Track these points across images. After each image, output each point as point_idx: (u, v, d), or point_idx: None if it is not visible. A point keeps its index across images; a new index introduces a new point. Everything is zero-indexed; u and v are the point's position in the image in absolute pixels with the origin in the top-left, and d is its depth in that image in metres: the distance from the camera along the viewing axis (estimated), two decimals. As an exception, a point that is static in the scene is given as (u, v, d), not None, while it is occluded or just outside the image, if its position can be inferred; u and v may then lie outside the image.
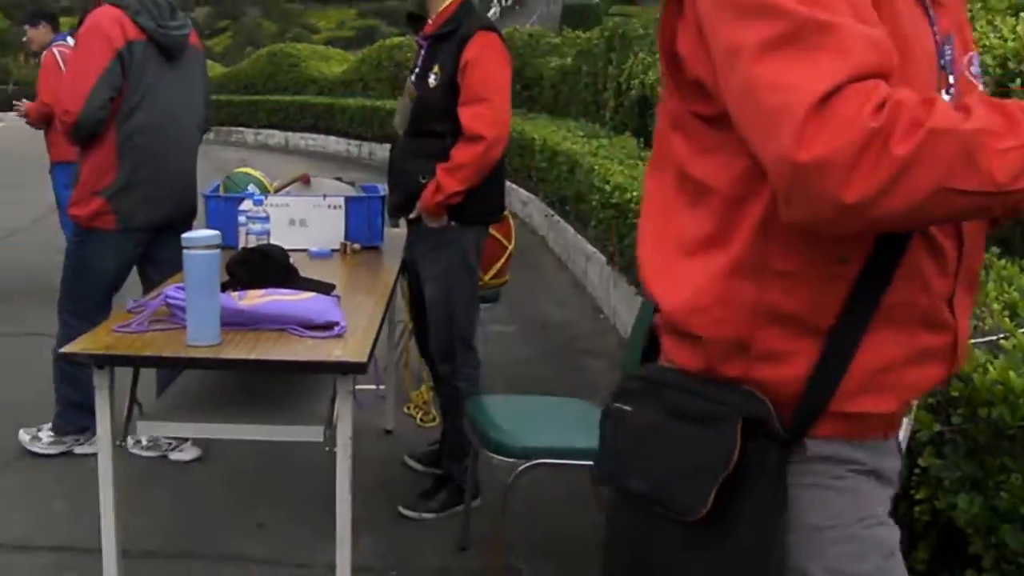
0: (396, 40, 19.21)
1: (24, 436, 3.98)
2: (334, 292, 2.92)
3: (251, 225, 3.20)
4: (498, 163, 3.45)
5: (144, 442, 3.92)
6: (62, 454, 3.94)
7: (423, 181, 3.42)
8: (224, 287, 2.71)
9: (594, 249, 6.94)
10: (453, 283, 3.55)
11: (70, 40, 5.62)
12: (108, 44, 3.56)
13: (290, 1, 60.24)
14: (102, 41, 3.57)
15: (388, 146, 15.09)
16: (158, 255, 3.83)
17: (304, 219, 3.77)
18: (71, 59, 3.58)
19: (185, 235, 2.41)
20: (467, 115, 3.35)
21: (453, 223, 3.49)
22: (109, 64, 3.55)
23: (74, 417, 3.90)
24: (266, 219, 3.22)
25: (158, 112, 3.71)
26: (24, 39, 6.56)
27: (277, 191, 3.97)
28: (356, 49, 36.41)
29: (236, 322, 2.62)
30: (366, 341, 2.56)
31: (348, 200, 3.83)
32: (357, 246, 3.82)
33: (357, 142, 17.59)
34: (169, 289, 2.69)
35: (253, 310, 2.64)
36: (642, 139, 7.92)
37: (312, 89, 21.06)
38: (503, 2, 66.82)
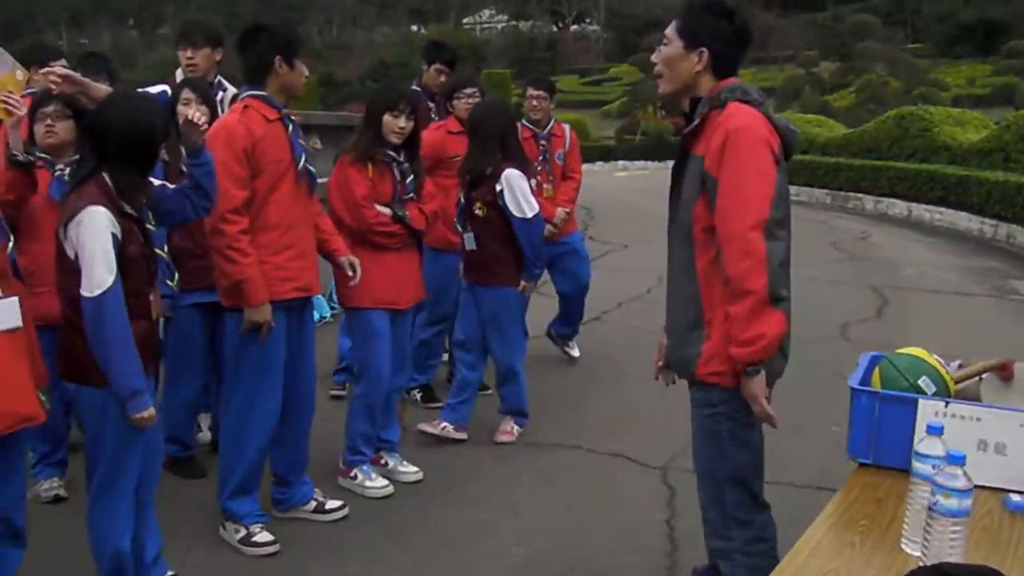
0: (1053, 105, 16.50)
1: None
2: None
3: (941, 501, 1.95)
4: None
5: None
6: None
7: None
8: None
9: None
10: None
11: None
12: (771, 152, 2.83)
13: (920, 56, 56.92)
14: (765, 148, 2.82)
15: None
16: None
17: (1002, 443, 2.46)
18: (742, 169, 2.78)
19: None
20: None
21: None
22: (777, 175, 2.82)
23: None
24: (968, 493, 1.95)
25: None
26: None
27: (958, 384, 2.70)
28: (987, 108, 32.80)
29: None
30: None
31: (1078, 421, 2.45)
32: (1083, 495, 2.42)
33: (993, 221, 15.16)
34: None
35: None
36: None
37: (943, 157, 18.88)
38: None
